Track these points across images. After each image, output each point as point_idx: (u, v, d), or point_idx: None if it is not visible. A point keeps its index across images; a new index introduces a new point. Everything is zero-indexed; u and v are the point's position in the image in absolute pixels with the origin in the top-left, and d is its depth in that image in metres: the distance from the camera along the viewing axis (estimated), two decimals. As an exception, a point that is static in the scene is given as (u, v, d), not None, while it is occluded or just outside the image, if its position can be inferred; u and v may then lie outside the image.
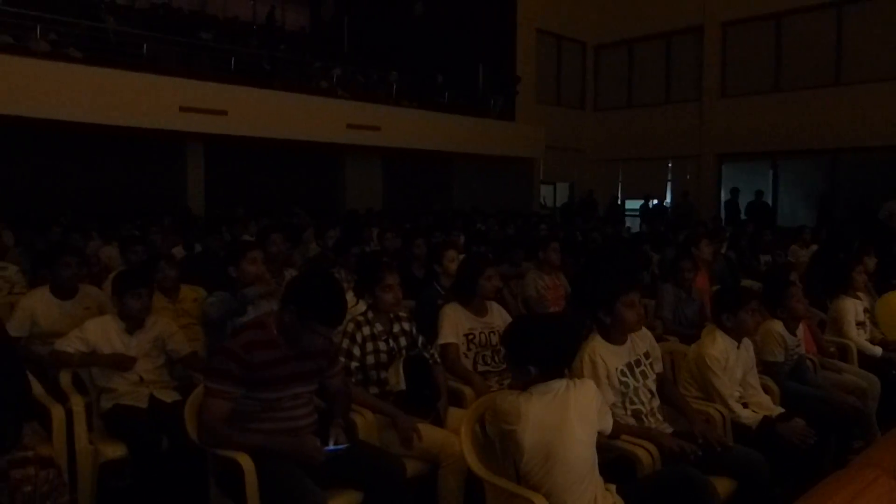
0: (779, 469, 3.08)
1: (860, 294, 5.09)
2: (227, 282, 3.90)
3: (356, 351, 3.33)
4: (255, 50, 14.19)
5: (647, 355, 3.26)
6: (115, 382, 3.39)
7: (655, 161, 17.75)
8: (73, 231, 7.35)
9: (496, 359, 3.91)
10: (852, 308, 4.91)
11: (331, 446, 2.67)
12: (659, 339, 4.18)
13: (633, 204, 17.91)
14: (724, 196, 16.16)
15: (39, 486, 2.42)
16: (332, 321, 2.71)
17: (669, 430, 3.20)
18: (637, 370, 3.18)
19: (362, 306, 3.63)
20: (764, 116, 15.15)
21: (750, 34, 15.79)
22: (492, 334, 3.93)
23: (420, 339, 3.56)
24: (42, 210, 9.87)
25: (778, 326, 4.03)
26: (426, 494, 3.07)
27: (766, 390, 3.71)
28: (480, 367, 3.85)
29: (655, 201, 17.35)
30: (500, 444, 2.63)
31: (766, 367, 3.92)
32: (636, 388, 3.14)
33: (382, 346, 3.40)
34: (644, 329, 3.35)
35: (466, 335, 3.85)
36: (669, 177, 18.03)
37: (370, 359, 3.36)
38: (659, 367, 3.34)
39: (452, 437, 2.98)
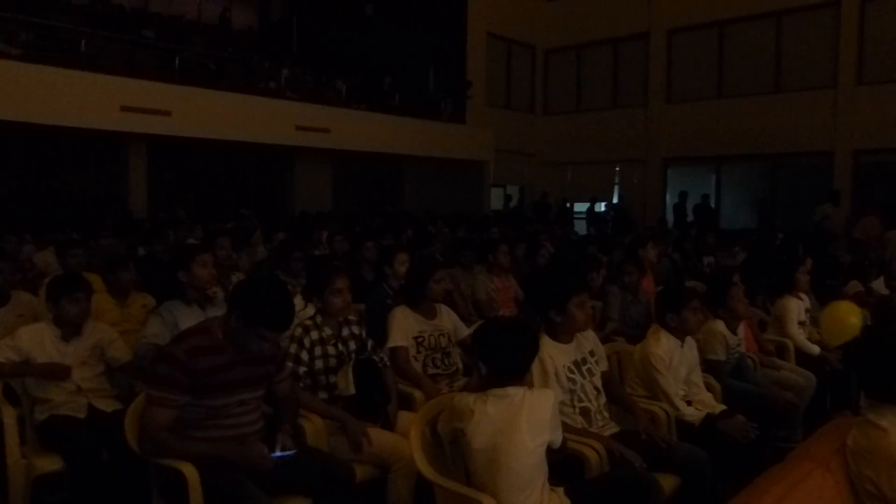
0: (721, 464, 3.16)
1: (802, 294, 5.27)
2: (174, 287, 3.80)
3: (304, 356, 3.29)
4: (200, 49, 13.91)
5: (592, 353, 3.32)
6: (50, 392, 3.27)
7: (603, 164, 18.06)
8: (5, 235, 7.05)
9: (446, 361, 3.91)
10: (795, 308, 5.08)
11: (278, 453, 2.63)
12: (607, 340, 4.27)
13: (581, 207, 18.19)
14: (670, 199, 16.54)
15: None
16: (280, 326, 2.67)
17: (616, 428, 3.25)
18: (583, 368, 3.23)
19: (311, 310, 3.59)
20: (707, 122, 15.56)
21: (694, 41, 16.21)
22: (441, 337, 3.93)
23: (369, 343, 3.54)
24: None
25: (720, 326, 4.14)
26: (376, 499, 3.04)
27: (709, 388, 3.81)
28: (430, 370, 3.84)
29: (604, 204, 17.68)
30: (451, 444, 2.65)
31: (708, 366, 4.02)
32: (583, 386, 3.19)
33: (331, 350, 3.36)
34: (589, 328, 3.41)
35: (416, 338, 3.85)
36: (617, 180, 18.36)
37: (319, 363, 3.32)
38: (604, 366, 3.40)
39: (402, 441, 2.97)
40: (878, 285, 6.73)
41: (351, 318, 3.56)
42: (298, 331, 3.31)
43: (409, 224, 11.48)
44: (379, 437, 3.08)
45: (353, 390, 3.23)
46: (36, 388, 3.28)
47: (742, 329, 4.38)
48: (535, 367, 3.03)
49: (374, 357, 3.49)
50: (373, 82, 15.68)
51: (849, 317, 4.74)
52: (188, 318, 3.51)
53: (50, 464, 3.07)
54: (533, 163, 18.75)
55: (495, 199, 18.33)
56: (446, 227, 11.02)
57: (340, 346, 3.40)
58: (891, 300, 6.40)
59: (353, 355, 3.41)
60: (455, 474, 2.74)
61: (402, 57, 16.10)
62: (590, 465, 2.84)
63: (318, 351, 3.32)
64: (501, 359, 2.56)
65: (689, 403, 3.59)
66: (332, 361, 3.34)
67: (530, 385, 2.79)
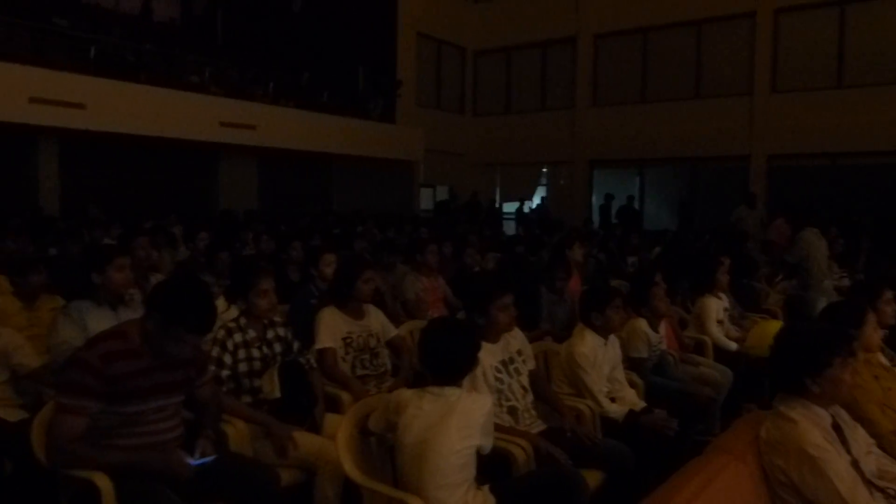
0: (644, 459, 3.24)
1: (720, 294, 5.49)
2: (86, 289, 3.61)
3: (227, 359, 3.20)
4: (118, 40, 13.34)
5: (519, 353, 3.36)
6: (-50, 402, 3.07)
7: (532, 166, 18.34)
8: None
9: (374, 362, 3.88)
10: (714, 307, 5.29)
11: (198, 459, 2.55)
12: (536, 339, 4.32)
13: (511, 207, 18.42)
14: (596, 200, 16.94)
15: None
16: (200, 328, 2.58)
17: (543, 426, 3.30)
18: (511, 367, 3.27)
19: (234, 312, 3.49)
20: (631, 125, 16.00)
21: (619, 47, 16.64)
22: (370, 337, 3.90)
23: (296, 345, 3.47)
24: None
25: (642, 324, 4.27)
26: (302, 503, 2.99)
27: (632, 385, 3.91)
28: (359, 371, 3.80)
29: (532, 205, 17.96)
30: (379, 445, 2.69)
31: (631, 363, 4.13)
32: (511, 385, 3.22)
33: (256, 352, 3.29)
34: (515, 328, 3.44)
35: (344, 339, 3.80)
36: (544, 181, 18.67)
37: (243, 366, 3.24)
38: (531, 364, 3.44)
39: (329, 444, 2.92)
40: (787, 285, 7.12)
41: (276, 319, 3.49)
42: (221, 333, 3.22)
43: (337, 224, 11.37)
44: (305, 440, 3.03)
45: (278, 393, 3.17)
46: (-66, 398, 3.08)
47: (663, 327, 4.53)
48: (464, 367, 3.05)
49: (301, 359, 3.43)
50: (301, 79, 15.42)
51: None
52: (98, 320, 3.34)
53: (-51, 478, 2.89)
54: (463, 163, 18.86)
55: (425, 199, 18.35)
56: (375, 226, 10.95)
57: (265, 348, 3.33)
58: (802, 299, 6.75)
59: (279, 358, 3.34)
60: (383, 476, 2.72)
61: (331, 55, 15.90)
62: (517, 463, 2.87)
63: (241, 354, 3.24)
64: (441, 361, 2.59)
65: (612, 400, 3.68)
66: (257, 364, 3.27)
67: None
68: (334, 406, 3.48)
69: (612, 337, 3.86)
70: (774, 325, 5.03)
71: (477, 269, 6.71)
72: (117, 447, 2.49)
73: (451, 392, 2.53)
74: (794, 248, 6.85)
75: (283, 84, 14.67)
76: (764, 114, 14.49)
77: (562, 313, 5.24)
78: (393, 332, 4.07)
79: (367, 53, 16.10)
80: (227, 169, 14.68)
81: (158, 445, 2.57)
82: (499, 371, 3.19)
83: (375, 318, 4.00)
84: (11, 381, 3.30)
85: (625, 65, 16.53)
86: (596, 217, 16.18)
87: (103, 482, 2.38)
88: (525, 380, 3.32)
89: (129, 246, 4.52)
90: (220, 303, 3.61)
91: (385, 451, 2.79)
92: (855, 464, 2.26)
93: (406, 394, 2.61)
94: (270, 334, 3.38)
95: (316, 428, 3.22)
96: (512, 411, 3.19)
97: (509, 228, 16.41)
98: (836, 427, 2.31)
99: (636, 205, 16.08)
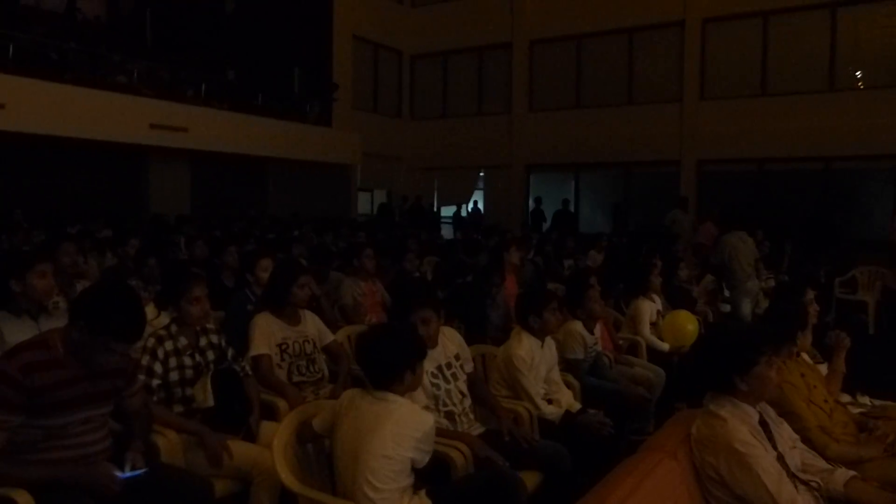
0: (581, 459, 3.29)
1: (654, 296, 5.64)
2: (5, 298, 3.43)
3: (158, 367, 3.10)
4: (40, 38, 12.79)
5: (457, 357, 3.36)
6: None
7: (469, 170, 18.45)
8: None
9: (311, 368, 3.83)
10: (648, 309, 5.43)
11: (127, 472, 2.47)
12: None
13: (449, 211, 18.49)
14: (533, 204, 17.16)
15: None
16: (129, 336, 2.48)
17: (481, 429, 3.31)
18: (448, 372, 3.26)
19: (165, 319, 3.39)
20: (567, 130, 16.27)
21: (554, 53, 16.90)
22: (306, 343, 3.84)
23: (230, 352, 3.39)
24: None
25: (578, 326, 4.34)
26: (237, 514, 2.92)
27: (568, 386, 3.97)
28: (295, 378, 3.74)
29: (470, 208, 18.07)
30: (317, 450, 2.69)
31: (567, 365, 4.20)
32: (448, 391, 3.22)
33: (188, 361, 3.20)
34: (453, 331, 3.45)
35: (279, 345, 3.74)
36: (482, 185, 18.80)
37: (174, 375, 3.14)
38: (469, 368, 3.45)
39: (265, 452, 2.86)
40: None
41: (209, 326, 3.40)
42: (151, 341, 3.13)
43: (272, 228, 11.18)
44: (239, 449, 2.96)
45: (211, 402, 3.10)
46: None
47: (598, 329, 4.62)
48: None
49: (235, 366, 3.36)
50: (235, 81, 15.11)
51: (686, 324, 5.16)
52: (17, 330, 3.16)
53: None
54: (400, 167, 18.83)
55: (363, 204, 18.23)
56: (312, 231, 10.81)
57: (198, 356, 3.24)
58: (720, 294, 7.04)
59: (212, 366, 3.26)
60: (321, 484, 2.68)
61: (265, 56, 15.63)
62: (455, 467, 2.87)
63: (173, 362, 3.15)
64: (378, 366, 2.57)
65: (549, 401, 3.72)
66: (189, 373, 3.18)
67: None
68: (270, 414, 3.42)
69: (549, 339, 3.91)
70: (682, 315, 5.25)
71: (417, 274, 6.70)
72: (40, 462, 2.39)
73: (394, 399, 2.52)
74: (718, 251, 7.12)
75: (215, 85, 14.34)
76: (693, 120, 14.97)
77: (496, 318, 5.28)
78: (330, 337, 4.02)
79: (302, 56, 15.89)
80: (158, 172, 14.25)
81: (85, 459, 2.47)
82: (435, 377, 3.19)
83: (312, 324, 3.95)
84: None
85: (560, 71, 16.80)
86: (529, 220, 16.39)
87: (25, 499, 2.27)
88: (463, 385, 3.32)
89: (54, 252, 4.33)
90: (150, 310, 3.51)
91: (323, 458, 2.75)
92: (780, 458, 2.34)
93: (351, 392, 2.62)
94: (203, 342, 3.30)
95: (251, 436, 3.15)
96: (449, 416, 3.19)
97: (447, 232, 16.46)
98: (763, 423, 2.40)
99: (572, 208, 16.37)
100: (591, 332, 4.43)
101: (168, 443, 2.88)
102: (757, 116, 14.04)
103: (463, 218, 17.50)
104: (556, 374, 3.91)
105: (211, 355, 3.29)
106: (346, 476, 2.50)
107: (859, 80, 13.82)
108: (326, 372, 3.92)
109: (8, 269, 3.34)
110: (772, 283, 7.82)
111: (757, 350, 2.34)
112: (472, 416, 3.33)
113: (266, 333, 3.70)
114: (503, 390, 3.75)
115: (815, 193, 13.90)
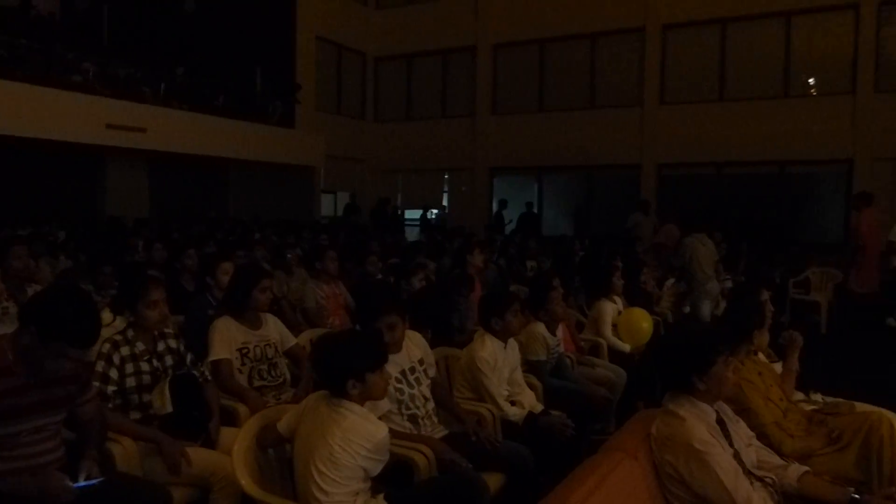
0: (543, 459, 3.31)
1: (616, 297, 5.70)
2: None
3: (113, 373, 3.03)
4: (-10, 35, 12.41)
5: (421, 362, 3.35)
6: None
7: (433, 172, 18.46)
8: None
9: (273, 373, 3.77)
10: (610, 310, 5.49)
11: (81, 482, 2.39)
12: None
13: (414, 214, 18.46)
14: (497, 207, 17.23)
15: None
16: (83, 341, 2.42)
17: (445, 432, 3.31)
18: (412, 377, 3.25)
19: (121, 323, 3.31)
20: (530, 134, 16.39)
21: (517, 57, 17.02)
22: (267, 347, 3.79)
23: (188, 357, 3.33)
24: None
25: (540, 328, 4.36)
26: (196, 522, 2.87)
27: (531, 387, 3.99)
28: (256, 382, 3.69)
29: (435, 211, 18.08)
30: (277, 456, 2.66)
31: (530, 366, 4.22)
32: (412, 395, 3.21)
33: (145, 366, 3.13)
34: (417, 335, 3.44)
35: (240, 349, 3.68)
36: (446, 188, 18.83)
37: (130, 381, 3.07)
38: (433, 372, 3.44)
39: (225, 459, 2.82)
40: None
41: (168, 331, 3.34)
42: (106, 347, 3.05)
43: (233, 230, 11.03)
44: (198, 456, 2.91)
45: (169, 408, 3.03)
46: None
47: (561, 330, 4.65)
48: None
49: (194, 372, 3.29)
50: (195, 81, 14.86)
51: (641, 322, 5.24)
52: None
53: None
54: (364, 169, 18.75)
55: (326, 206, 18.10)
56: (273, 233, 10.70)
57: (155, 361, 3.18)
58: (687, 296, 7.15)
59: (170, 371, 3.19)
60: (282, 490, 2.65)
61: (227, 56, 15.40)
62: (418, 470, 2.86)
63: (129, 368, 3.08)
64: (322, 373, 2.57)
65: (512, 403, 3.74)
66: (146, 378, 3.11)
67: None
68: (230, 419, 3.36)
69: (512, 341, 3.92)
70: (637, 313, 5.34)
71: (379, 277, 6.67)
72: (-11, 473, 2.31)
73: (349, 406, 2.48)
74: (678, 253, 7.26)
75: (174, 85, 14.08)
76: (653, 124, 15.21)
77: (456, 319, 5.29)
78: (292, 341, 3.98)
79: (264, 56, 15.72)
80: (115, 173, 13.95)
81: (36, 469, 2.40)
82: (399, 381, 3.17)
83: (273, 328, 3.90)
84: None
85: (523, 74, 16.92)
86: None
87: (-29, 512, 2.20)
88: (426, 389, 3.31)
89: (4, 255, 4.21)
90: (106, 314, 3.43)
91: (283, 464, 2.72)
92: (737, 456, 2.39)
93: (316, 396, 2.61)
94: (161, 346, 3.23)
95: (211, 443, 3.10)
96: (413, 419, 3.18)
97: (412, 235, 16.43)
98: (720, 422, 2.45)
99: (535, 211, 16.48)
100: (554, 334, 4.46)
101: (124, 450, 2.81)
102: (715, 121, 14.34)
103: (429, 220, 17.48)
104: (519, 376, 3.93)
105: (169, 360, 3.23)
106: (303, 480, 2.49)
107: (812, 86, 14.21)
108: (288, 376, 3.87)
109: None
110: (729, 284, 7.98)
111: (715, 350, 2.38)
112: (435, 419, 3.32)
113: (226, 338, 3.64)
114: (466, 392, 3.76)
115: (770, 196, 14.24)
